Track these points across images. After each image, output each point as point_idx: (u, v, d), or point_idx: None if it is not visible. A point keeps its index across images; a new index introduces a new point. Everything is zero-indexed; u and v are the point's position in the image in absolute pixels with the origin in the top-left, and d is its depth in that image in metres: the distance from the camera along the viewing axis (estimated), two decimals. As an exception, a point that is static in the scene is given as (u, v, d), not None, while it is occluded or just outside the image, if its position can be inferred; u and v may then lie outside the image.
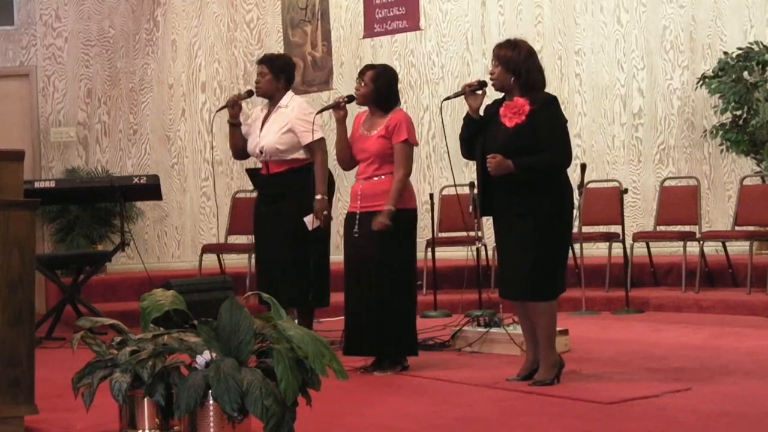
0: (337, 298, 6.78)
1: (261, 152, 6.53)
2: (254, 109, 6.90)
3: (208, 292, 6.89)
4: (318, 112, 6.43)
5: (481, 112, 5.49)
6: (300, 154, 6.52)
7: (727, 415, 4.55)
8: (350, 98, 6.09)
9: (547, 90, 5.47)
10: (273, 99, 6.61)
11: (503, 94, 5.46)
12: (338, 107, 6.04)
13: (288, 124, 6.48)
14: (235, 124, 6.68)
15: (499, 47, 5.43)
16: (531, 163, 5.25)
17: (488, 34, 10.64)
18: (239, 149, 6.77)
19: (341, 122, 6.04)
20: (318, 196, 6.40)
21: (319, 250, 6.53)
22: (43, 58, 10.81)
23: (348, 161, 6.14)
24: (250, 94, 6.74)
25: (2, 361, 4.21)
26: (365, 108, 6.10)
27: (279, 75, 6.59)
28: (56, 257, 8.94)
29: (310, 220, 6.40)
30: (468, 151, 5.54)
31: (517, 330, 6.10)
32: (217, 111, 6.98)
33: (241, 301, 3.99)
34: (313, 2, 9.09)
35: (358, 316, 5.94)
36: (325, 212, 6.42)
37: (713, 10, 10.14)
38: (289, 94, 6.63)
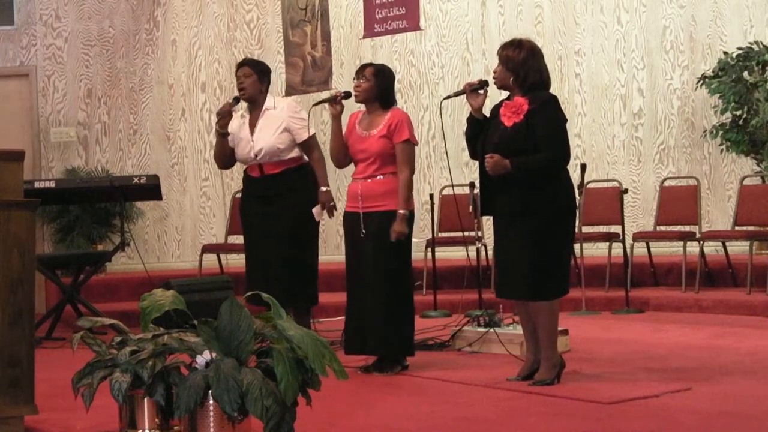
0: (338, 297, 6.78)
1: (256, 156, 6.52)
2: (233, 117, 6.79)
3: (208, 292, 6.87)
4: (314, 105, 6.46)
5: (487, 113, 5.49)
6: (295, 153, 6.56)
7: (727, 415, 4.55)
8: (347, 94, 6.06)
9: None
10: (256, 102, 6.59)
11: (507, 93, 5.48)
12: (335, 102, 6.01)
13: (283, 124, 6.49)
14: (224, 134, 6.65)
15: (503, 47, 5.45)
16: (528, 163, 5.24)
17: (488, 34, 10.65)
18: (227, 158, 6.76)
19: (337, 118, 6.02)
20: (323, 189, 6.50)
21: (315, 249, 6.59)
22: (43, 58, 10.80)
23: (342, 159, 6.13)
24: (237, 101, 6.65)
25: (2, 361, 4.21)
26: (360, 107, 6.08)
27: (263, 77, 6.60)
28: (56, 257, 8.92)
29: (318, 211, 6.46)
30: (474, 151, 5.54)
31: (516, 330, 6.10)
32: (216, 123, 6.79)
33: (241, 301, 3.99)
34: (313, 2, 9.08)
35: (358, 316, 5.94)
36: (331, 203, 6.50)
37: (713, 10, 10.14)
38: (270, 96, 6.64)
